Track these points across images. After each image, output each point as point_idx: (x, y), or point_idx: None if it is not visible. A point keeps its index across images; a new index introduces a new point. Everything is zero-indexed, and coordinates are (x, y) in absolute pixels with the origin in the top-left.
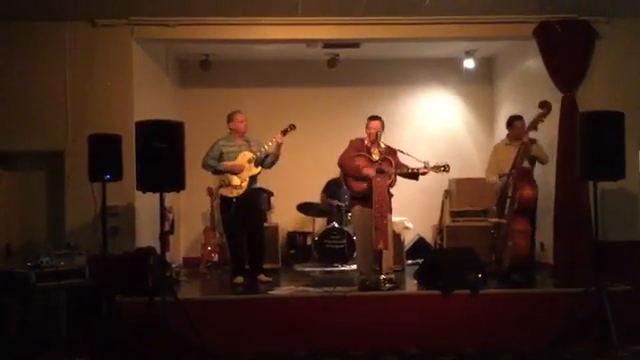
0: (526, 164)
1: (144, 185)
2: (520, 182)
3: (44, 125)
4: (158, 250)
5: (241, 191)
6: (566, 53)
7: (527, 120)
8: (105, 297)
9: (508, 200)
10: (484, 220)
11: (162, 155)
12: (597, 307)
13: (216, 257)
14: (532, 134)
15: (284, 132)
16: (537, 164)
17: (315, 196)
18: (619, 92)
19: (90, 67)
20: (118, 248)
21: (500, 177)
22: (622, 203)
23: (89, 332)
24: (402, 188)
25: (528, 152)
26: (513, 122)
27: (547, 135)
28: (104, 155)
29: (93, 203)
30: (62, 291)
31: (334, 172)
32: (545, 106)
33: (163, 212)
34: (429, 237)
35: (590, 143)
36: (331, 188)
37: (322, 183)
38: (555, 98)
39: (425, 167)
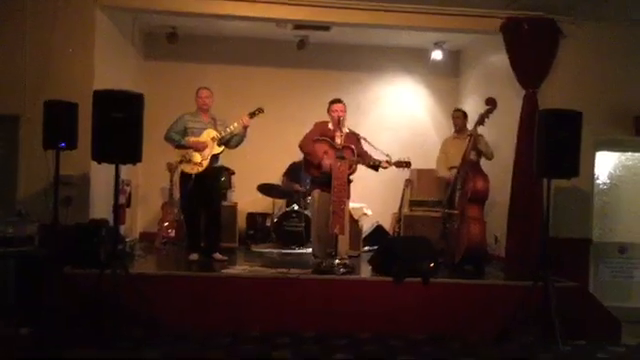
0: (473, 156)
1: (99, 155)
2: (472, 173)
3: (0, 89)
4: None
5: (201, 169)
6: (531, 50)
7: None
8: (54, 267)
9: (458, 191)
10: (441, 210)
11: (119, 126)
12: (543, 302)
13: (173, 233)
14: (479, 129)
15: (251, 115)
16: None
17: (277, 178)
18: (580, 92)
19: (51, 33)
20: (71, 218)
21: (450, 169)
22: (575, 201)
23: (36, 302)
24: (364, 176)
25: (476, 145)
26: (452, 114)
27: (506, 130)
28: (59, 122)
29: (47, 171)
30: (10, 258)
31: (297, 154)
32: (491, 103)
33: (118, 184)
34: (389, 225)
35: (546, 141)
36: (293, 171)
37: (285, 165)
38: (518, 94)
39: (387, 162)
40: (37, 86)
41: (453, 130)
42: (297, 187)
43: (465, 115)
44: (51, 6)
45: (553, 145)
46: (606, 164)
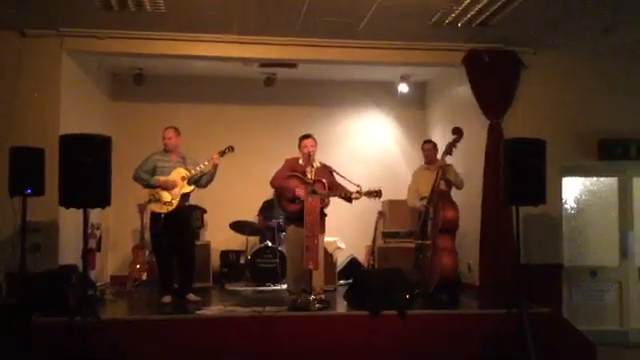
0: (443, 186)
1: (67, 201)
2: (442, 203)
3: None
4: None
5: (171, 208)
6: (493, 81)
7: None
8: (22, 316)
9: (430, 222)
10: (414, 241)
11: (87, 170)
12: (518, 328)
13: (145, 276)
14: (447, 159)
15: (221, 153)
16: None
17: (249, 215)
18: (543, 120)
19: (17, 78)
20: (40, 265)
21: (421, 200)
22: (545, 228)
23: (6, 353)
24: (337, 209)
25: (445, 175)
26: (422, 145)
27: (475, 160)
28: (26, 168)
29: (14, 218)
30: None
31: (268, 191)
32: (457, 132)
33: (86, 229)
34: (363, 258)
35: (513, 169)
36: (267, 209)
37: (256, 202)
38: (482, 125)
39: (358, 192)
40: (2, 132)
41: (424, 161)
42: (276, 222)
43: (435, 146)
44: (16, 51)
45: (519, 173)
46: (572, 189)
